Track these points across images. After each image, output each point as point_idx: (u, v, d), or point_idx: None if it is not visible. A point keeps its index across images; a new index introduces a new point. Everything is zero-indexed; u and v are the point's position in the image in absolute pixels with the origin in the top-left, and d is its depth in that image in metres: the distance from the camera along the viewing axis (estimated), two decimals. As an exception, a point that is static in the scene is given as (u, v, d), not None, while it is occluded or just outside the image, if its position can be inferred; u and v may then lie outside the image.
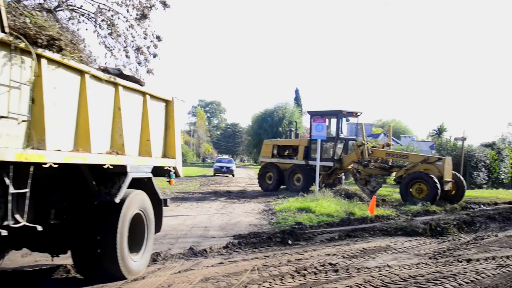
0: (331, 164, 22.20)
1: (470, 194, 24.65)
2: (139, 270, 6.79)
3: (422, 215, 15.80)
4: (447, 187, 19.19)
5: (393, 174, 21.57)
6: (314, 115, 22.51)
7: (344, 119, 22.77)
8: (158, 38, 14.69)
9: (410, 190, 19.05)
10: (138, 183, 6.84)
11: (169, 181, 8.38)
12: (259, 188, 24.29)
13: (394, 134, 72.23)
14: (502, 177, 34.27)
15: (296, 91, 76.28)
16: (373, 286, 6.66)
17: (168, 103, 8.12)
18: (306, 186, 21.41)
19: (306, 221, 12.91)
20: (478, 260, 8.76)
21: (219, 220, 13.14)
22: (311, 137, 21.75)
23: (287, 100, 64.31)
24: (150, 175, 7.23)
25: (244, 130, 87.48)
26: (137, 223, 6.79)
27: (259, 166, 27.46)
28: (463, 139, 28.45)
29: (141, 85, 7.13)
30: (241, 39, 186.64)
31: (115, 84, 6.32)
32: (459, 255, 9.28)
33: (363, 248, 9.53)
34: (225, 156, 76.62)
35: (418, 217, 15.06)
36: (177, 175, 8.36)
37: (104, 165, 5.88)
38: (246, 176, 42.70)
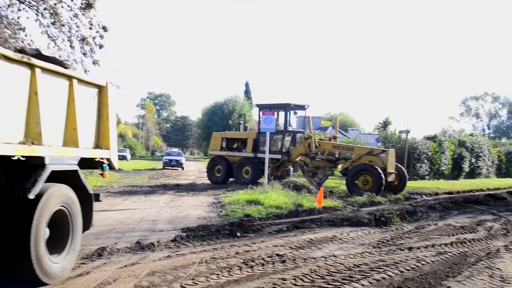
0: (279, 156, 22.37)
1: (413, 185, 25.57)
2: (61, 273, 6.13)
3: (367, 205, 16.25)
4: (390, 178, 19.83)
5: (340, 166, 22.06)
6: (263, 108, 22.55)
7: (292, 112, 22.98)
8: (104, 28, 14.28)
9: (356, 181, 19.56)
10: (62, 177, 6.28)
11: (102, 174, 7.73)
12: (208, 181, 24.22)
13: (342, 127, 73.75)
14: (443, 168, 35.65)
15: (246, 84, 76.42)
16: (319, 275, 6.79)
17: (101, 89, 7.42)
18: (255, 179, 21.56)
19: (255, 213, 12.99)
20: (419, 248, 9.12)
21: (168, 213, 13.01)
22: (260, 130, 21.82)
23: (237, 93, 64.38)
24: (76, 167, 6.64)
25: (194, 123, 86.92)
26: (60, 220, 6.19)
27: (209, 159, 27.29)
28: (407, 132, 29.39)
29: (65, 68, 6.46)
30: (191, 31, 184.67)
31: (31, 66, 5.59)
32: (401, 243, 9.61)
33: (310, 239, 9.71)
34: (175, 149, 75.81)
35: (364, 208, 15.47)
36: (111, 167, 7.76)
37: (13, 156, 5.23)
38: (196, 169, 42.48)
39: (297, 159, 22.07)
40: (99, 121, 7.46)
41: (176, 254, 7.92)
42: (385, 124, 58.03)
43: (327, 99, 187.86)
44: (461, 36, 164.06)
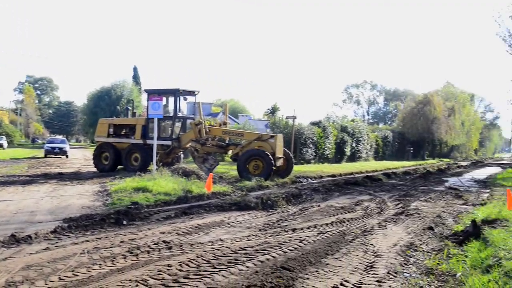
0: (169, 143, 22.07)
1: (300, 169, 26.66)
2: None
3: (256, 190, 16.64)
4: (279, 163, 20.45)
5: (230, 152, 22.29)
6: (151, 93, 21.89)
7: (182, 98, 22.71)
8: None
9: (247, 167, 19.90)
10: None
11: None
12: (95, 169, 23.24)
13: (232, 113, 74.50)
14: (327, 152, 37.59)
15: (135, 69, 74.24)
16: (205, 260, 6.84)
17: None
18: (144, 166, 21.09)
19: (143, 200, 12.72)
20: (302, 229, 9.54)
21: (48, 204, 12.27)
22: (148, 116, 21.26)
23: (125, 78, 62.21)
24: None
25: (79, 108, 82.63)
26: None
27: (95, 146, 26.07)
28: (294, 118, 30.45)
29: None
30: (75, 10, 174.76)
31: None
32: (286, 225, 9.99)
33: (198, 224, 9.73)
34: (59, 137, 71.60)
35: (252, 192, 15.83)
36: None
37: None
38: (81, 157, 40.54)
39: (188, 145, 21.94)
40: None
41: (56, 246, 7.50)
42: (273, 110, 59.67)
43: (218, 85, 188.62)
44: (343, 27, 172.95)
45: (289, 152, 22.39)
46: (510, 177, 26.79)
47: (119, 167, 22.92)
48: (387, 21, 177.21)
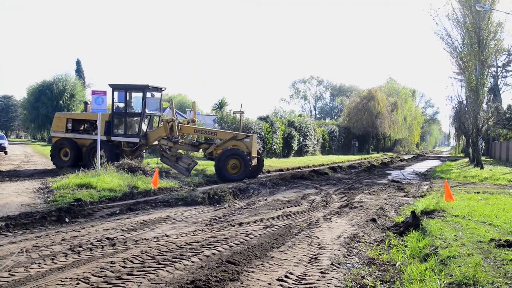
0: (137, 140, 21.18)
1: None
2: None
3: (203, 185, 16.59)
4: (254, 162, 20.40)
5: (201, 150, 22.13)
6: (117, 88, 21.16)
7: (149, 94, 21.92)
8: None
9: (226, 166, 19.77)
10: None
11: None
12: (36, 166, 22.41)
13: (180, 108, 73.80)
14: (275, 147, 37.88)
15: (78, 63, 71.76)
16: (149, 256, 6.75)
17: None
18: (111, 162, 20.40)
19: (87, 197, 12.37)
20: (248, 223, 9.59)
21: (-16, 202, 11.72)
22: (92, 111, 20.47)
23: (67, 72, 59.99)
24: None
25: (19, 103, 79.24)
26: None
27: (42, 143, 24.86)
28: (241, 112, 30.39)
29: None
30: (11, 2, 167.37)
31: None
32: (233, 219, 10.01)
33: (144, 220, 9.59)
34: (-3, 132, 68.51)
35: (200, 188, 15.78)
36: None
37: None
38: (21, 153, 38.93)
39: (155, 143, 21.46)
40: None
41: (-8, 246, 7.19)
42: (221, 105, 59.33)
43: (165, 80, 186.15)
44: (290, 23, 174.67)
45: (259, 151, 22.34)
46: (448, 170, 28.02)
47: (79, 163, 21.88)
48: (333, 18, 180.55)
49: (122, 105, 21.41)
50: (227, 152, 19.96)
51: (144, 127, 21.76)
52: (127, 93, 21.21)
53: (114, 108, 21.41)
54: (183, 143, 21.26)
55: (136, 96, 21.73)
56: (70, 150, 21.46)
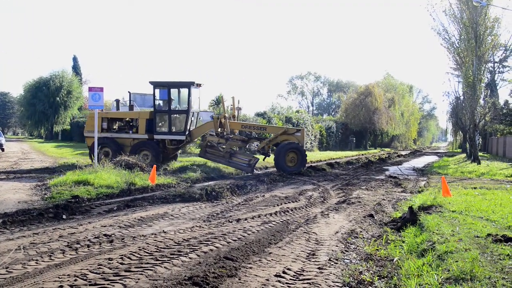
0: (183, 137, 20.99)
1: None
2: None
3: (201, 181, 16.57)
4: None
5: (254, 145, 23.03)
6: (159, 86, 20.93)
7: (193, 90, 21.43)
8: None
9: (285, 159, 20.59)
10: None
11: None
12: (33, 163, 22.37)
13: (177, 105, 73.49)
14: (272, 143, 37.84)
15: (74, 59, 71.50)
16: (147, 252, 6.75)
17: None
18: (156, 162, 20.27)
19: (84, 194, 12.36)
20: (246, 219, 9.59)
21: (-19, 199, 11.70)
22: (89, 107, 20.22)
23: (64, 68, 59.75)
24: None
25: (15, 100, 78.98)
26: None
27: (39, 140, 24.54)
28: (239, 109, 30.43)
29: None
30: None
31: None
32: (230, 216, 10.02)
33: (141, 217, 9.59)
34: (-6, 129, 68.18)
35: (197, 184, 15.77)
36: None
37: None
38: (18, 150, 38.82)
39: (196, 140, 21.92)
40: None
41: (-11, 243, 7.18)
42: (218, 102, 59.25)
43: (162, 77, 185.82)
44: (287, 19, 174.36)
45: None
46: (445, 165, 28.06)
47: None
48: (330, 14, 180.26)
49: (155, 102, 21.37)
50: (286, 146, 20.83)
51: (189, 124, 21.41)
52: (170, 90, 20.88)
53: (154, 105, 21.16)
54: (235, 139, 21.17)
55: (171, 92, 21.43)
56: (112, 150, 20.81)
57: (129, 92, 23.28)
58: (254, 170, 20.59)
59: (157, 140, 20.93)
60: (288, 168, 20.50)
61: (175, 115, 21.23)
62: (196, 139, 21.86)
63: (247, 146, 23.05)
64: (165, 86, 20.98)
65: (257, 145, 23.47)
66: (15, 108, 78.13)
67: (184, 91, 21.24)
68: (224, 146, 20.72)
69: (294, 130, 21.88)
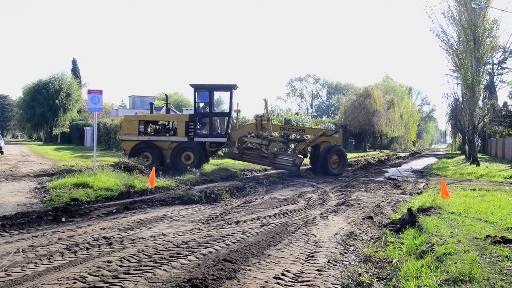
0: (225, 139, 21.03)
1: (245, 162, 26.67)
2: None
3: (200, 183, 16.57)
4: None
5: (292, 146, 23.32)
6: (200, 88, 20.91)
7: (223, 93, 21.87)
8: None
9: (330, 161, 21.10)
10: None
11: None
12: (32, 166, 22.32)
13: (177, 107, 73.62)
14: (272, 146, 37.83)
15: (74, 62, 71.64)
16: (146, 255, 6.75)
17: None
18: (200, 163, 20.52)
19: (83, 196, 12.35)
20: (245, 221, 9.59)
21: (-20, 202, 11.68)
22: (88, 110, 20.19)
23: (63, 71, 59.85)
24: None
25: (15, 102, 79.09)
26: None
27: (38, 142, 24.55)
28: (238, 111, 30.45)
29: None
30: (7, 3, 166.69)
31: None
32: (230, 218, 10.02)
33: (140, 219, 9.58)
34: (-7, 132, 68.13)
35: (196, 186, 15.75)
36: None
37: None
38: (18, 153, 38.81)
39: (247, 142, 22.09)
40: None
41: (-12, 246, 7.17)
42: (217, 104, 59.36)
43: (161, 79, 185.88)
44: (286, 21, 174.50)
45: None
46: (444, 167, 28.07)
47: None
48: (329, 16, 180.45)
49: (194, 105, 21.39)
50: (331, 148, 21.30)
51: (224, 126, 21.49)
52: (212, 93, 20.86)
53: (195, 108, 21.15)
54: (277, 140, 21.72)
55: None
56: (153, 153, 20.68)
57: (166, 95, 23.16)
58: (300, 169, 21.00)
59: (197, 142, 20.96)
60: (332, 170, 21.12)
61: (215, 117, 21.21)
62: (234, 141, 22.04)
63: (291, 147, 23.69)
64: (206, 89, 20.94)
65: (294, 147, 23.90)
66: (14, 111, 78.27)
67: (223, 94, 21.80)
68: (267, 148, 21.39)
69: (332, 132, 22.50)
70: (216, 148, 21.81)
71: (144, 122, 21.55)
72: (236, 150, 22.62)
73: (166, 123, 22.18)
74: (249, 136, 22.28)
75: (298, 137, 24.20)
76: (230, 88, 21.05)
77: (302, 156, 21.62)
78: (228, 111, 21.27)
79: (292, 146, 23.44)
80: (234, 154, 22.66)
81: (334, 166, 21.41)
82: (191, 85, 20.88)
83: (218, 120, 21.39)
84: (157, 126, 22.20)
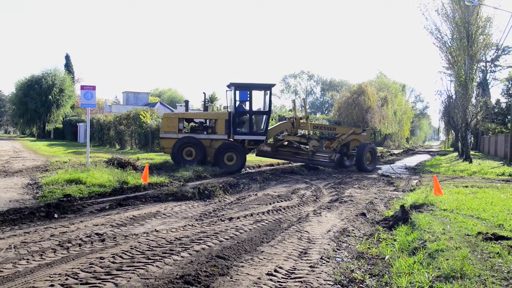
0: (263, 138, 21.40)
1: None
2: None
3: (193, 180, 16.55)
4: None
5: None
6: (240, 87, 20.81)
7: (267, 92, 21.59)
8: None
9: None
10: None
11: None
12: (25, 162, 22.20)
13: (170, 103, 73.56)
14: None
15: (67, 57, 71.21)
16: (139, 251, 6.74)
17: None
18: (242, 164, 20.51)
19: (76, 193, 12.30)
20: (238, 218, 9.60)
21: (-29, 198, 11.61)
22: (81, 106, 19.98)
23: (56, 66, 59.45)
24: None
25: (7, 98, 78.58)
26: None
27: (31, 138, 24.48)
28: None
29: None
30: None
31: None
32: (223, 214, 10.02)
33: (133, 216, 9.56)
34: (-15, 128, 67.73)
35: (190, 183, 15.73)
36: None
37: None
38: (10, 148, 38.57)
39: (284, 141, 22.88)
40: None
41: (-20, 242, 7.13)
42: (211, 100, 59.21)
43: (155, 75, 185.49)
44: (280, 17, 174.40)
45: None
46: (437, 164, 28.22)
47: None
48: (323, 12, 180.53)
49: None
50: (367, 146, 22.34)
51: (262, 124, 21.61)
52: (251, 92, 20.78)
53: (234, 106, 21.05)
54: (313, 138, 22.40)
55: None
56: (197, 150, 20.52)
57: (204, 93, 23.04)
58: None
59: (237, 140, 21.08)
60: (366, 166, 22.16)
61: (254, 116, 21.21)
62: (270, 139, 22.56)
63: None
64: (246, 88, 20.88)
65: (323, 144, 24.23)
66: (7, 107, 77.85)
67: (263, 93, 21.62)
68: (306, 146, 22.26)
69: (360, 130, 23.43)
70: (254, 146, 22.28)
71: (183, 119, 21.42)
72: (267, 148, 22.91)
73: (204, 121, 22.08)
74: (285, 134, 23.06)
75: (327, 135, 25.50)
76: (269, 87, 21.31)
77: (338, 153, 22.25)
78: (267, 109, 21.35)
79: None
80: (267, 152, 23.03)
81: (368, 163, 22.45)
82: (232, 84, 20.99)
83: (259, 118, 21.55)
84: (194, 124, 22.07)
